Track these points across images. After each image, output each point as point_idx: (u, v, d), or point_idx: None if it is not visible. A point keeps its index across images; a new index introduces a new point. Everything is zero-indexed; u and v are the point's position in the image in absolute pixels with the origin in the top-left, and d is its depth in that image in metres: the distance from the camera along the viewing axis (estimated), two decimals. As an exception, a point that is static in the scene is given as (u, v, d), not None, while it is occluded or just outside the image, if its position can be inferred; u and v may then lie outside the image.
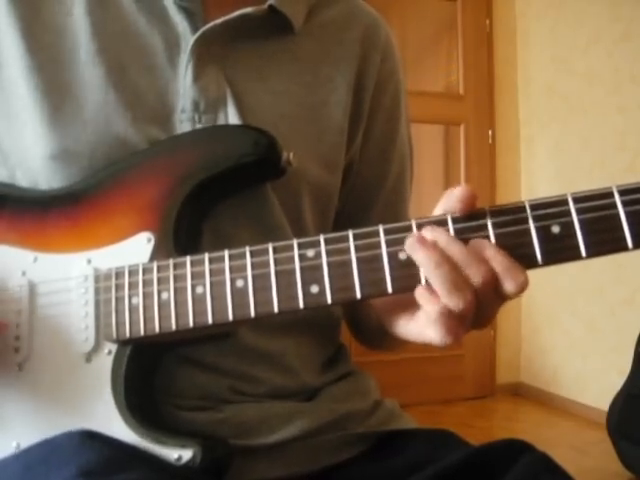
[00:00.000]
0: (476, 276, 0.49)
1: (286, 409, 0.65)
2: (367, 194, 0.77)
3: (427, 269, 0.50)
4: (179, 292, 0.56)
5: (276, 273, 0.54)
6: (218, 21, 0.65)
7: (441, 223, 0.52)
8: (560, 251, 0.50)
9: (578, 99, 2.98)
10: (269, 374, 0.66)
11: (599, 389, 2.74)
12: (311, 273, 0.53)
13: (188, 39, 0.65)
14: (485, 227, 0.51)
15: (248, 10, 0.66)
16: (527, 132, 3.33)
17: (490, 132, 3.35)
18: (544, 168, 3.20)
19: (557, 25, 3.12)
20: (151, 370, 0.61)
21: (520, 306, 3.30)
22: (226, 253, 0.56)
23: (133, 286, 0.58)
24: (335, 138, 0.70)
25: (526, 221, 0.50)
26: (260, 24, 0.68)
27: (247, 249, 0.55)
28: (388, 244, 0.52)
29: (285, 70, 0.69)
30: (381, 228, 0.53)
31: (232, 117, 0.65)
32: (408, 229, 0.52)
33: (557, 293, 3.05)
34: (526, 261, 0.50)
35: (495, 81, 3.36)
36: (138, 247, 0.59)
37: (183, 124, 0.64)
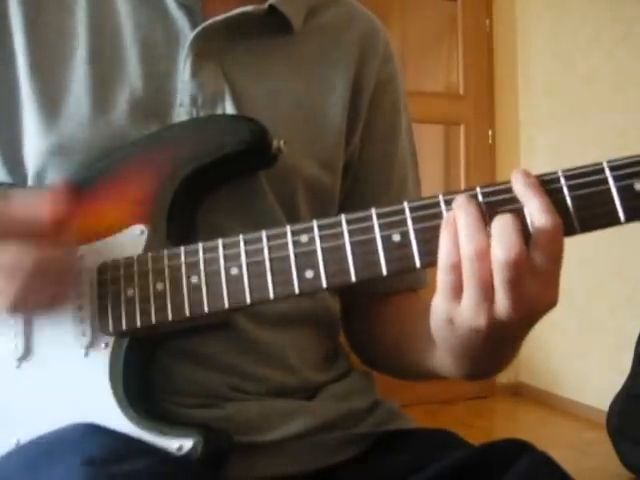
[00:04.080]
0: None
1: (287, 407, 0.65)
2: (371, 199, 0.76)
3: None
4: (174, 282, 0.56)
5: (270, 260, 0.54)
6: (218, 18, 0.65)
7: (433, 205, 0.52)
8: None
9: (578, 99, 2.98)
10: (269, 371, 0.66)
11: (599, 389, 2.74)
12: (305, 258, 0.53)
13: (187, 35, 0.66)
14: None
15: (248, 8, 0.66)
16: (527, 132, 3.33)
17: (490, 132, 3.35)
18: (544, 168, 3.15)
19: (557, 25, 3.12)
20: (149, 362, 0.61)
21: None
22: (220, 242, 0.56)
23: (128, 278, 0.58)
24: (333, 138, 0.71)
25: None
26: (259, 23, 0.68)
27: (241, 237, 0.56)
28: (381, 228, 0.52)
29: (283, 69, 0.70)
30: (374, 212, 0.53)
31: (229, 113, 0.65)
32: (400, 212, 0.52)
33: (557, 293, 3.05)
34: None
35: (495, 81, 3.36)
36: (131, 240, 0.59)
37: (181, 119, 0.64)
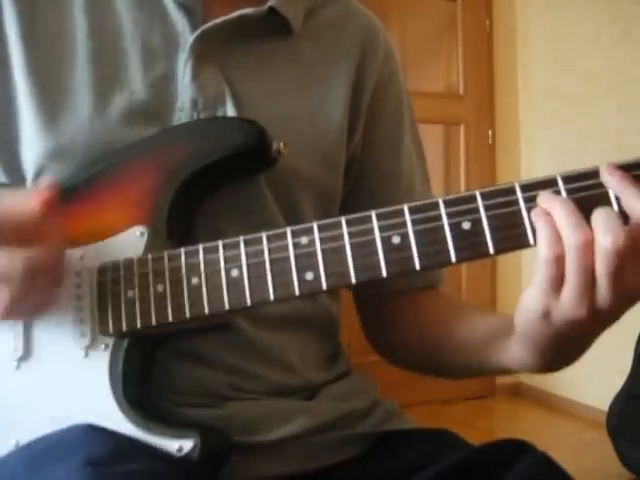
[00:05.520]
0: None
1: (287, 407, 0.65)
2: (377, 196, 0.76)
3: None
4: (174, 284, 0.57)
5: (270, 261, 0.54)
6: (218, 20, 0.65)
7: (432, 207, 0.52)
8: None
9: (578, 99, 2.98)
10: (268, 371, 0.66)
11: (599, 389, 2.74)
12: (305, 260, 0.54)
13: (187, 37, 0.65)
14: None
15: (248, 11, 0.66)
16: (527, 132, 3.32)
17: (490, 132, 3.34)
18: (544, 168, 3.19)
19: (557, 25, 3.12)
20: (149, 364, 0.61)
21: (520, 306, 3.29)
22: (220, 243, 0.56)
23: (128, 279, 0.58)
24: (334, 137, 0.71)
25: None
26: (259, 25, 0.68)
27: (241, 238, 0.56)
28: (381, 229, 0.53)
29: (283, 71, 0.70)
30: (373, 213, 0.53)
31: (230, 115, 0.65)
32: (400, 214, 0.52)
33: (557, 293, 3.05)
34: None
35: (495, 81, 3.36)
36: (131, 241, 0.60)
37: (181, 122, 0.64)
